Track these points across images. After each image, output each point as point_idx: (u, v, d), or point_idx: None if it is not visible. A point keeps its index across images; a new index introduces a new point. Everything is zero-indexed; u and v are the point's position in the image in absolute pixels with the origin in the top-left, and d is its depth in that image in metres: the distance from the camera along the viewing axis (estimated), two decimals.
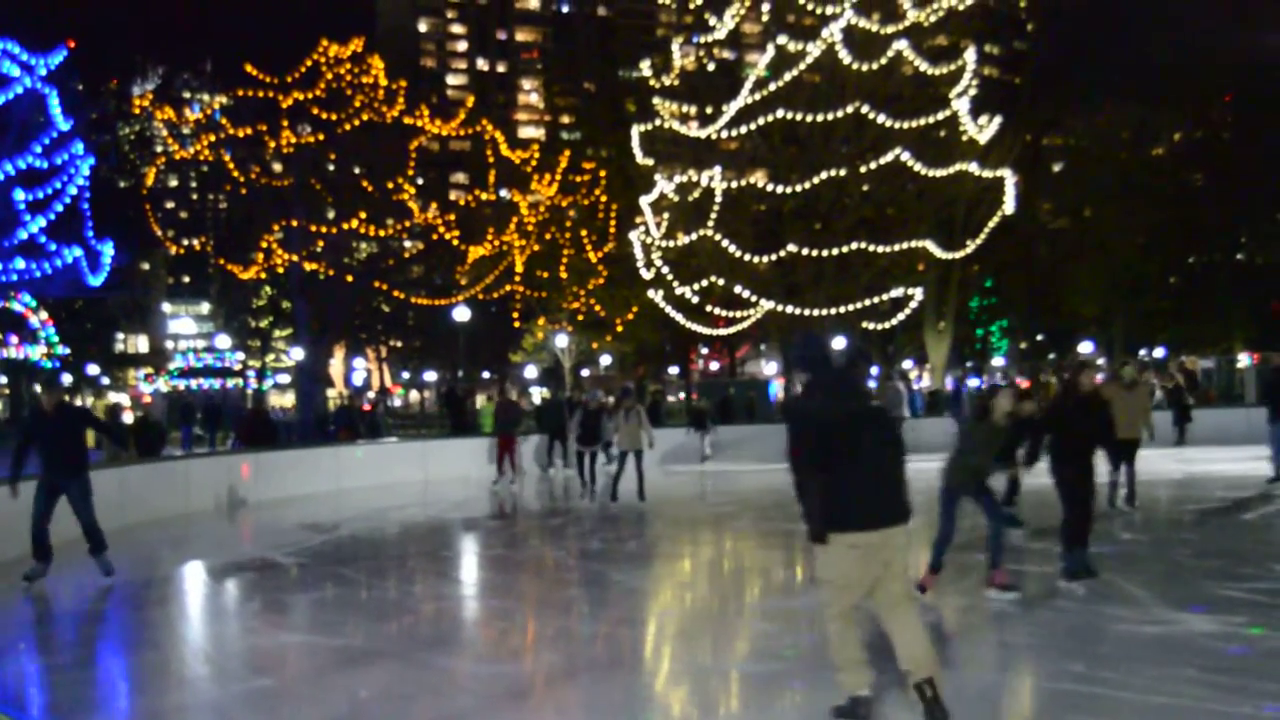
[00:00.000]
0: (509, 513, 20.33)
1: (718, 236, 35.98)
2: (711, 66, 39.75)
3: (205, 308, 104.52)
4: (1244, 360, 51.40)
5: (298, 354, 47.73)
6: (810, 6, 34.63)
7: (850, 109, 34.13)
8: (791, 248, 35.56)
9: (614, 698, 7.42)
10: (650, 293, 39.83)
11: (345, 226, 40.97)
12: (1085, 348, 68.42)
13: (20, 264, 38.46)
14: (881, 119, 34.35)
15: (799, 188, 35.62)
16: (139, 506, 18.51)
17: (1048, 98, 52.37)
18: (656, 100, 38.17)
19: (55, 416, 12.27)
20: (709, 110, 36.85)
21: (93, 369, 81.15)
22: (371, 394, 69.62)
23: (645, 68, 39.98)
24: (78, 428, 12.67)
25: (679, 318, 39.92)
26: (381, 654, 8.98)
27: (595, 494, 20.61)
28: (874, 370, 41.12)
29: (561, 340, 57.18)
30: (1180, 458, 24.78)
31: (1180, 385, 31.36)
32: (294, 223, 40.22)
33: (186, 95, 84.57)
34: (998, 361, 72.80)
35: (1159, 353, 63.59)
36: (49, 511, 12.25)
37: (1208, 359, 52.40)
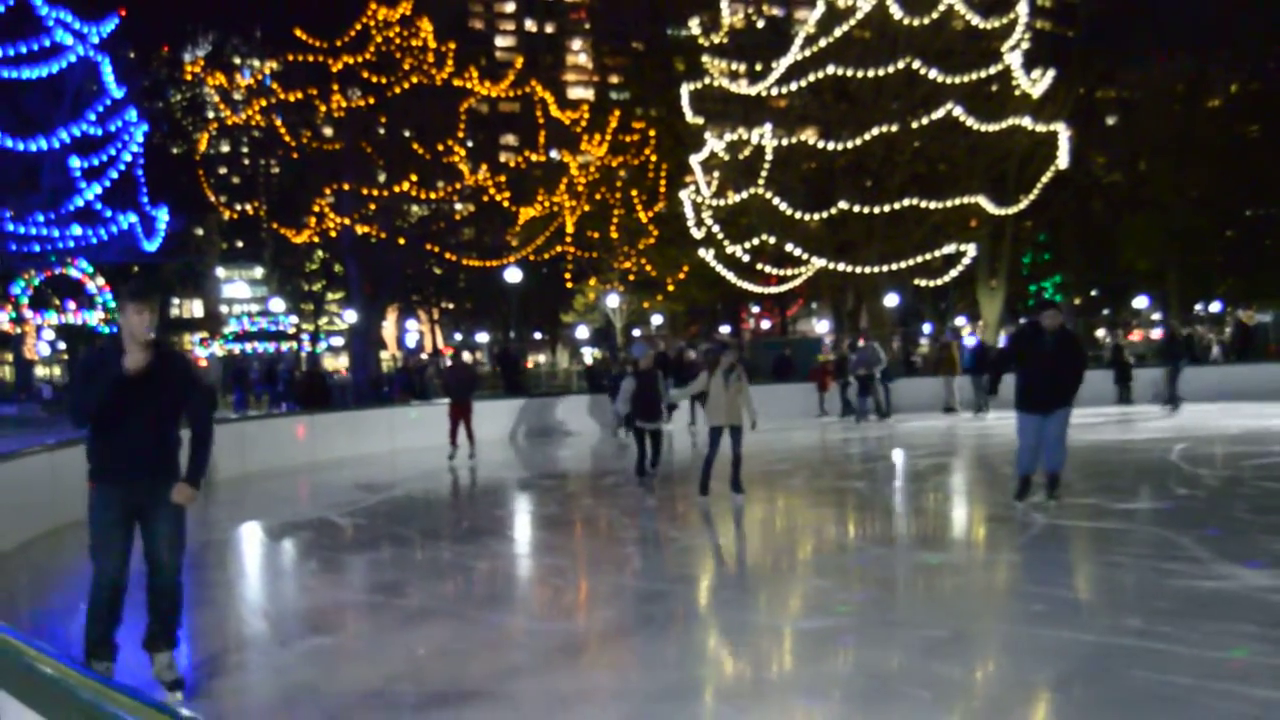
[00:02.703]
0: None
1: (768, 194, 35.88)
2: (761, 23, 39.63)
3: (259, 272, 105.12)
4: None
5: (351, 317, 48.04)
6: None
7: (901, 64, 33.90)
8: (843, 205, 35.42)
9: (667, 654, 7.44)
10: (701, 252, 39.80)
11: (396, 189, 41.10)
12: (1140, 303, 67.79)
13: (77, 230, 38.90)
14: (933, 74, 34.12)
15: (850, 144, 35.44)
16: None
17: (1101, 50, 51.62)
18: (706, 58, 38.07)
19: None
20: (759, 67, 36.73)
21: None
22: (425, 355, 70.00)
23: (694, 26, 39.85)
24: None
25: (730, 276, 39.88)
26: (437, 612, 9.04)
27: (653, 477, 16.32)
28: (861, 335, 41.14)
29: (613, 300, 57.28)
30: (1234, 413, 24.52)
31: (1120, 346, 31.44)
32: (345, 186, 40.41)
33: (237, 61, 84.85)
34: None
35: (1215, 306, 62.88)
36: None
37: (1265, 312, 51.73)
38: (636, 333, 69.44)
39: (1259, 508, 12.28)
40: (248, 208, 49.18)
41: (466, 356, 37.33)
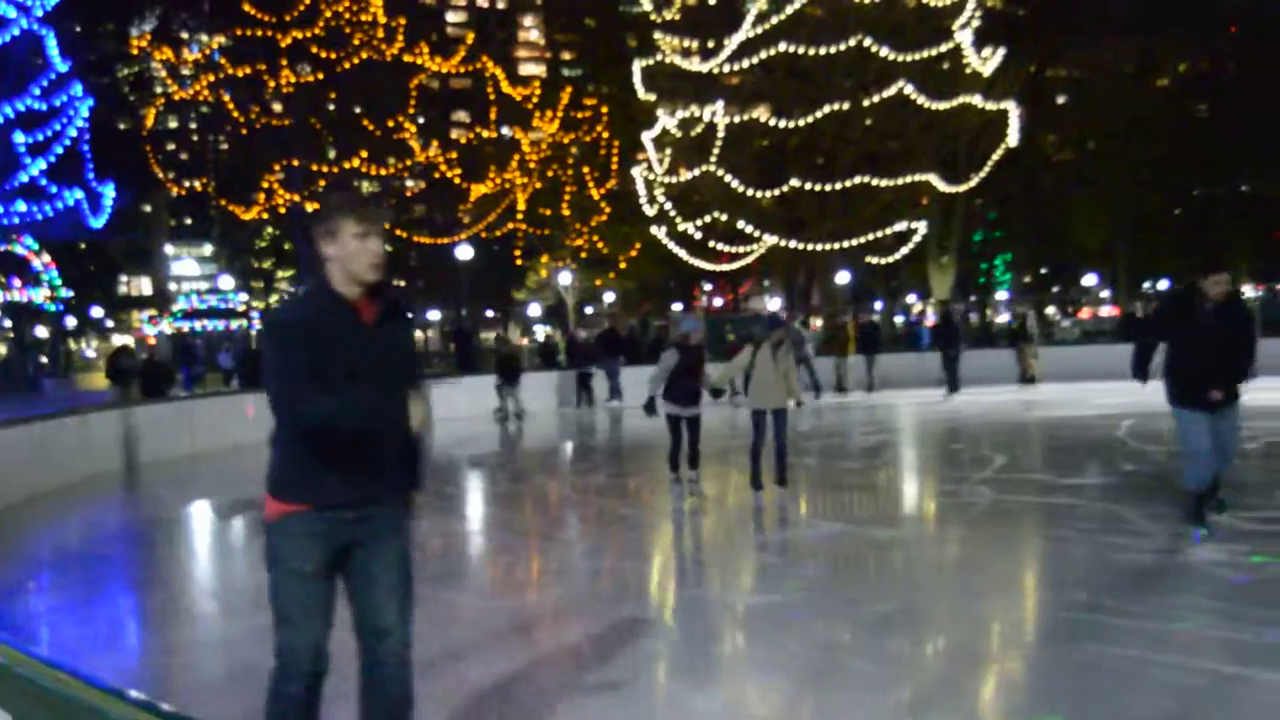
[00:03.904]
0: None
1: (720, 172, 35.89)
2: (713, 0, 39.46)
3: (207, 249, 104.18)
4: (1249, 291, 51.37)
5: None
6: None
7: (853, 42, 33.95)
8: (794, 182, 35.49)
9: (618, 632, 7.44)
10: (653, 229, 39.78)
11: (346, 165, 40.89)
12: (1089, 280, 68.34)
13: (21, 207, 38.47)
14: (884, 52, 34.18)
15: (802, 122, 35.48)
16: (146, 447, 18.63)
17: (1051, 29, 51.86)
18: (658, 35, 37.97)
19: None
20: (710, 44, 36.63)
21: (96, 312, 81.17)
22: None
23: (646, 2, 39.73)
24: None
25: (682, 254, 39.89)
26: None
27: (696, 482, 13.38)
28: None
29: (565, 278, 57.13)
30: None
31: (1023, 324, 31.22)
32: (295, 162, 40.15)
33: (185, 35, 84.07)
34: (1002, 295, 72.72)
35: (1163, 284, 63.47)
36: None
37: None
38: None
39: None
40: (196, 184, 48.72)
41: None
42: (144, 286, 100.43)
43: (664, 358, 13.03)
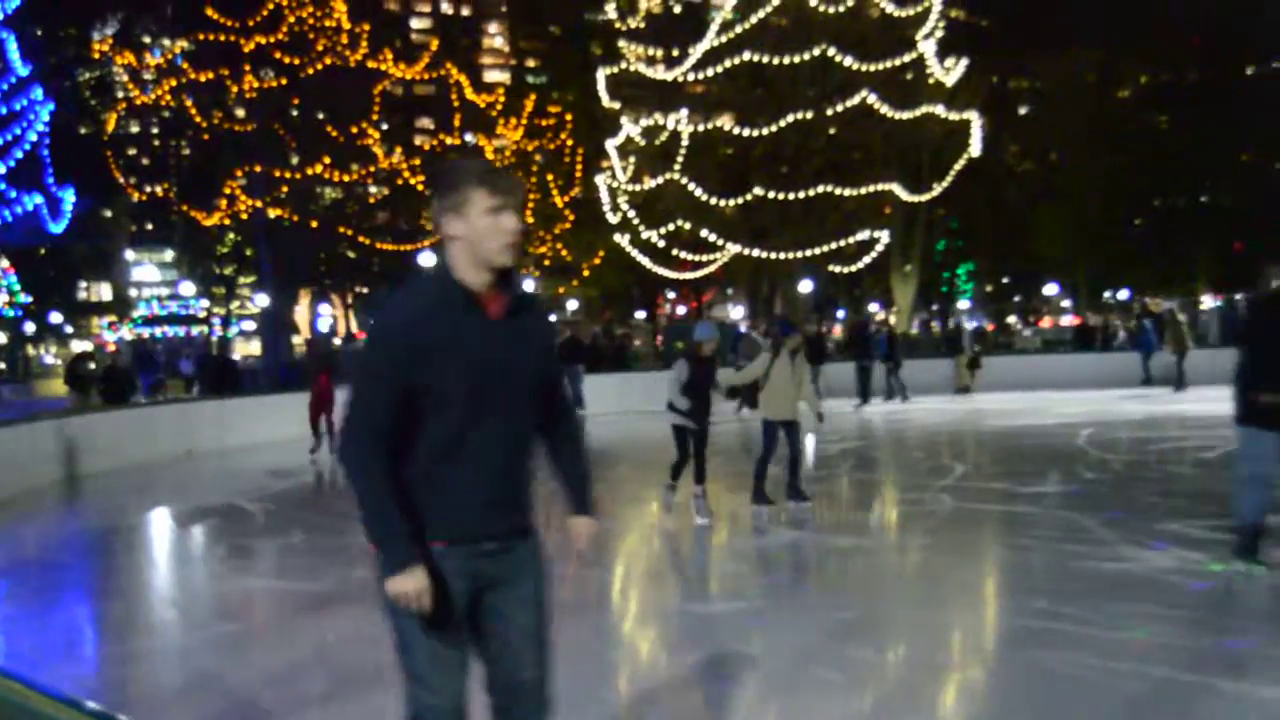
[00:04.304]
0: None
1: (684, 180, 35.91)
2: (677, 9, 39.61)
3: (169, 255, 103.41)
4: (1207, 302, 51.77)
5: (262, 301, 47.48)
6: None
7: (817, 51, 34.04)
8: (758, 191, 35.52)
9: (580, 640, 7.43)
10: (616, 237, 39.75)
11: (309, 172, 40.64)
12: (1050, 290, 68.75)
13: None
14: (848, 61, 34.29)
15: (765, 131, 35.54)
16: (106, 454, 18.51)
17: (1014, 40, 52.24)
18: (622, 43, 38.04)
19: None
20: (675, 53, 36.73)
21: (56, 317, 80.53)
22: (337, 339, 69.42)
23: (611, 10, 39.77)
24: None
25: (645, 262, 39.87)
26: (349, 599, 8.94)
27: (702, 499, 12.08)
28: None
29: (527, 285, 57.13)
30: (1142, 397, 25.01)
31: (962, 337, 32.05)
32: (257, 168, 39.86)
33: (147, 40, 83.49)
34: (964, 304, 73.04)
35: (1123, 294, 63.94)
36: None
37: (1172, 300, 52.65)
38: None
39: (1163, 491, 12.53)
40: (157, 189, 48.43)
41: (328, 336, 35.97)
42: (104, 292, 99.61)
43: (675, 369, 12.06)
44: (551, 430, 4.03)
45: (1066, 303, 72.95)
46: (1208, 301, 52.04)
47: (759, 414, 12.35)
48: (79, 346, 75.14)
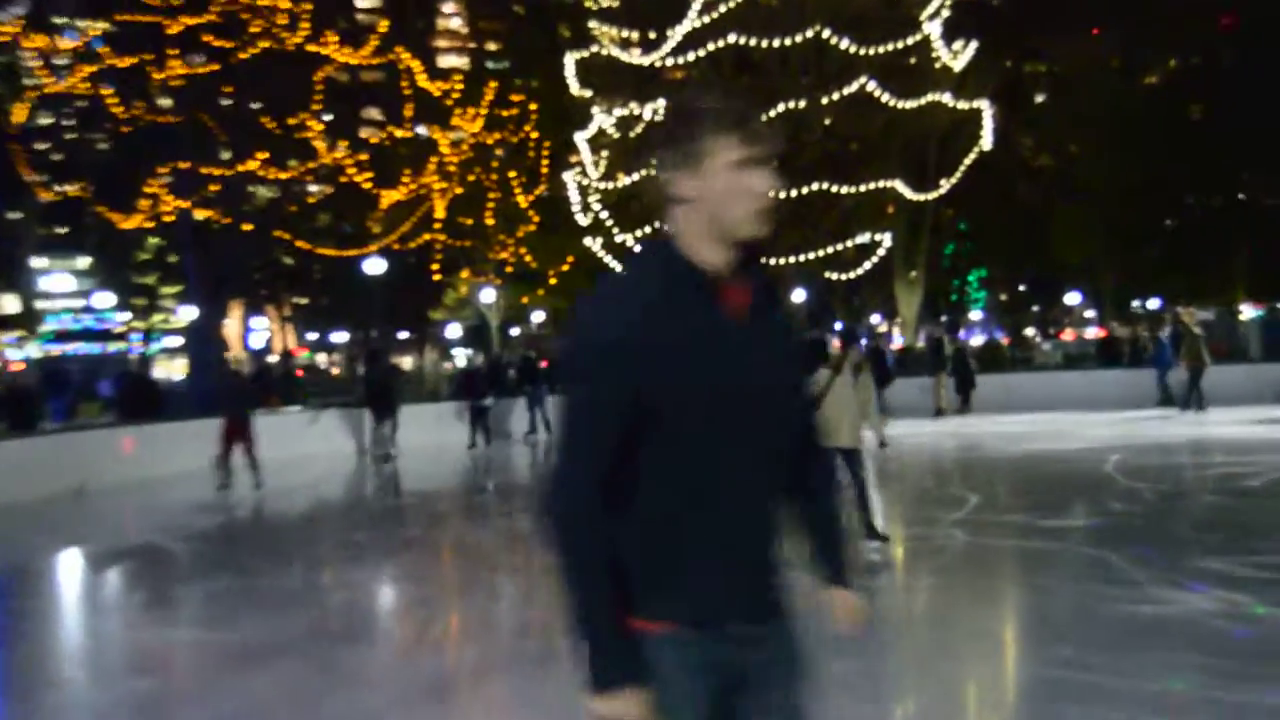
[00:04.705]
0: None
1: None
2: None
3: (83, 262, 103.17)
4: (1247, 311, 51.89)
5: (189, 314, 47.32)
6: None
7: (810, 33, 34.06)
8: None
9: (544, 694, 7.37)
10: (587, 240, 39.70)
11: (242, 169, 40.52)
12: (1072, 299, 68.92)
13: None
14: (845, 44, 34.33)
15: None
16: (11, 486, 18.36)
17: (1029, 20, 52.41)
18: (593, 24, 38.02)
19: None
20: (652, 35, 36.68)
21: None
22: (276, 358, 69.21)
23: None
24: None
25: (619, 268, 39.89)
26: (283, 650, 8.87)
27: None
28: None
29: (488, 295, 56.93)
30: (1184, 420, 25.04)
31: (961, 349, 32.36)
32: (183, 165, 39.74)
33: (60, 22, 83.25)
34: (976, 315, 73.17)
35: (1153, 304, 64.05)
36: None
37: (1207, 310, 52.78)
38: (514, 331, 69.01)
39: (1200, 524, 12.51)
40: (70, 188, 48.21)
41: (237, 363, 35.02)
42: (8, 304, 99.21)
43: None
44: (801, 471, 3.26)
45: (1090, 313, 73.18)
46: (1247, 311, 52.21)
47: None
48: None
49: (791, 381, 3.15)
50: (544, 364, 31.32)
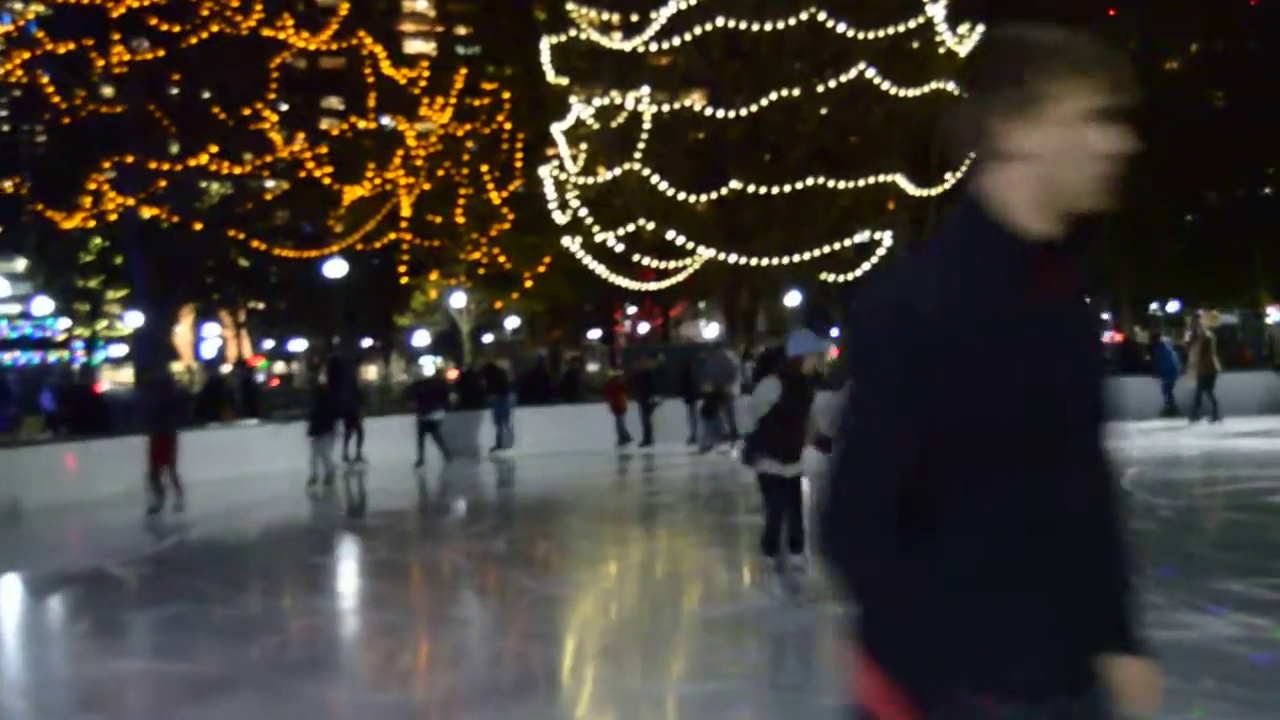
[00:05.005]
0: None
1: (646, 171, 35.93)
2: None
3: (20, 264, 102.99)
4: (1273, 315, 51.98)
5: (135, 320, 47.25)
6: None
7: (804, 16, 34.12)
8: (735, 184, 35.57)
9: None
10: (565, 240, 39.70)
11: (192, 163, 40.55)
12: None
13: None
14: (842, 28, 34.40)
15: (744, 111, 35.61)
16: None
17: (1039, 2, 52.54)
18: (571, 6, 38.03)
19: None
20: (635, 18, 36.73)
21: None
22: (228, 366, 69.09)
23: None
24: None
25: (600, 270, 39.85)
26: (239, 682, 8.91)
27: (802, 571, 11.15)
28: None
29: (458, 299, 56.87)
30: (1197, 431, 25.13)
31: None
32: (129, 159, 39.74)
33: None
34: None
35: (1173, 306, 64.16)
36: None
37: (1230, 313, 52.88)
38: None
39: (1222, 543, 12.60)
40: (6, 185, 48.18)
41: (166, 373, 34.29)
42: None
43: (762, 389, 10.78)
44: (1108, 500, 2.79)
45: (1105, 316, 73.35)
46: (1273, 314, 52.33)
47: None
48: None
49: (1103, 379, 2.68)
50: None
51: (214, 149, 40.56)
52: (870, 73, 33.97)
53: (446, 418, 27.70)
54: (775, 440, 10.64)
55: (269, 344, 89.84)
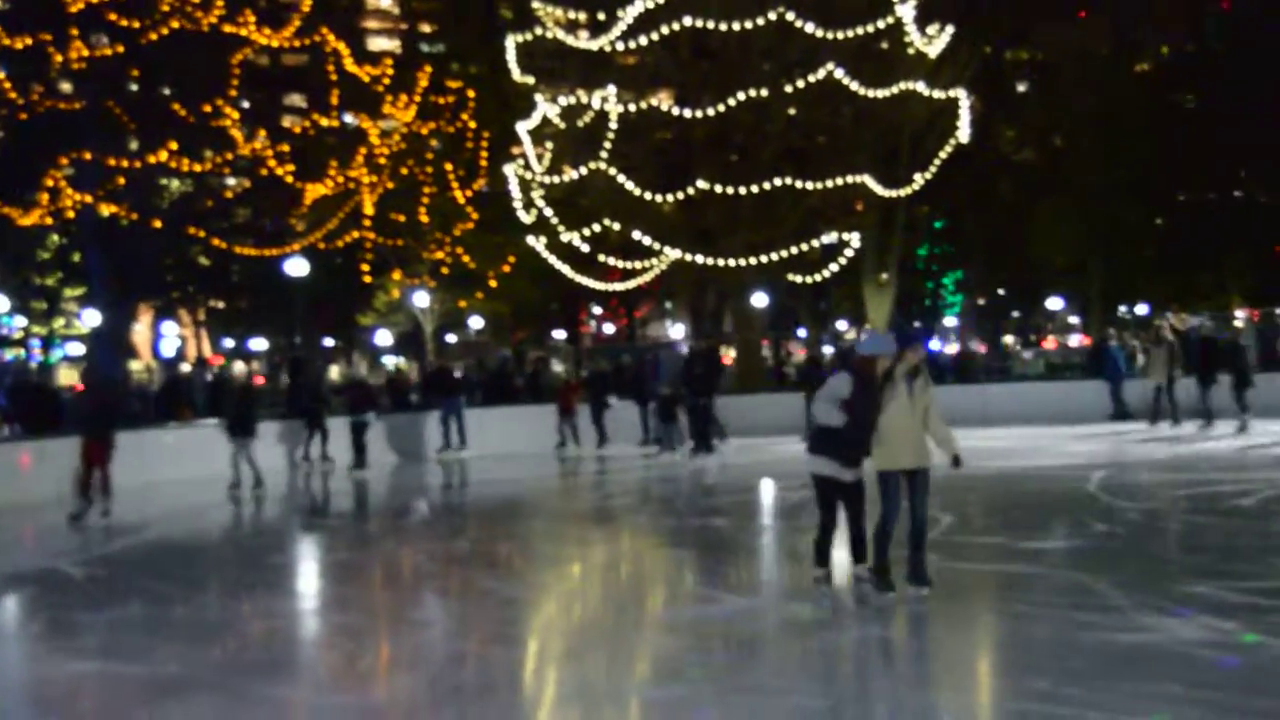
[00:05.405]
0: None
1: (612, 171, 35.90)
2: None
3: None
4: (1241, 317, 52.18)
5: (93, 319, 47.01)
6: None
7: (773, 15, 34.13)
8: (702, 184, 35.56)
9: None
10: (530, 239, 39.61)
11: (152, 160, 40.35)
12: (1055, 304, 69.25)
13: None
14: (810, 28, 34.42)
15: (711, 111, 35.60)
16: None
17: (1011, 2, 52.64)
18: (537, 4, 37.98)
19: None
20: (601, 16, 36.69)
21: None
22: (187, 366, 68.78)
23: None
24: None
25: (565, 270, 39.80)
26: (198, 684, 8.87)
27: (869, 581, 10.64)
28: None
29: (421, 299, 56.72)
30: (1170, 434, 25.22)
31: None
32: (87, 155, 39.53)
33: None
34: (950, 321, 73.31)
35: (1141, 309, 64.39)
36: None
37: (1199, 315, 53.03)
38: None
39: (1187, 546, 12.67)
40: None
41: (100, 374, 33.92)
42: None
43: (834, 385, 10.30)
44: None
45: (1074, 319, 73.57)
46: (1242, 317, 52.56)
47: (873, 462, 10.57)
48: None
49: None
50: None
51: (174, 146, 40.34)
52: (839, 73, 33.97)
53: (377, 421, 27.43)
54: (839, 440, 10.29)
55: (229, 343, 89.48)
